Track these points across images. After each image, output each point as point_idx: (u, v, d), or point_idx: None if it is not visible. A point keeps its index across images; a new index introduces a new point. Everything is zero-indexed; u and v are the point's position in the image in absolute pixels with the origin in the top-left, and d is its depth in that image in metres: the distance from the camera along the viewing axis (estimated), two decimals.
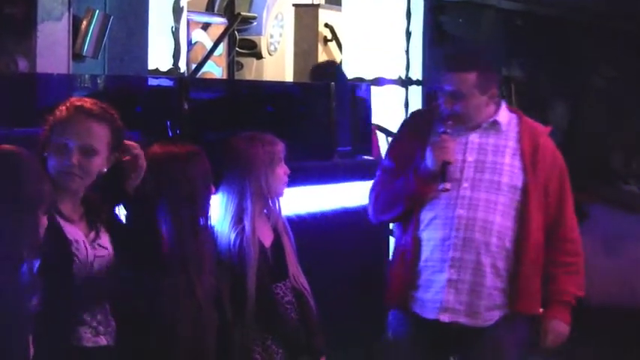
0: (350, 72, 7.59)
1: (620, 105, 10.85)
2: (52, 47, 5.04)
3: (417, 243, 3.94)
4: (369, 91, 6.03)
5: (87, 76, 4.99)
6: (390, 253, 4.33)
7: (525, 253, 3.89)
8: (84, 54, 5.14)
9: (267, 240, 3.97)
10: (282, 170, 4.01)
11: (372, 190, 4.09)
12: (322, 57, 8.00)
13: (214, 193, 3.80)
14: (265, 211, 3.92)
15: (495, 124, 3.95)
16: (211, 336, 3.64)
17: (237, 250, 3.90)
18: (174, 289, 3.49)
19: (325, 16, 7.97)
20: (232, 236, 3.91)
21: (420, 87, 7.89)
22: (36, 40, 4.98)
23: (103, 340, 3.25)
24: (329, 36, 8.10)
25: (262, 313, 3.92)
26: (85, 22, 5.15)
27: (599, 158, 10.54)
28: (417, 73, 7.92)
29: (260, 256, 3.90)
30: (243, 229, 3.91)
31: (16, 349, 2.73)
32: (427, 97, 7.74)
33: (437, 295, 3.89)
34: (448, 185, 3.82)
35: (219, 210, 3.94)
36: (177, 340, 3.48)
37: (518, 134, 3.97)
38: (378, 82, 7.47)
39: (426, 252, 3.92)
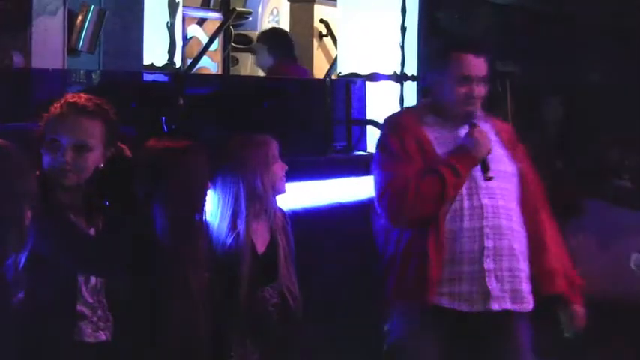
0: (345, 67, 7.59)
1: (614, 101, 10.85)
2: (47, 42, 5.02)
3: (441, 236, 3.90)
4: (364, 86, 6.02)
5: (82, 71, 4.97)
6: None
7: (544, 236, 4.06)
8: (79, 49, 5.13)
9: (263, 242, 3.98)
10: (278, 168, 4.00)
11: (392, 195, 3.94)
12: (317, 52, 7.99)
13: (210, 189, 3.80)
14: (265, 210, 3.90)
15: (478, 118, 4.01)
16: (202, 332, 3.63)
17: (231, 253, 3.90)
18: (168, 284, 3.48)
19: (320, 11, 7.97)
20: (228, 239, 3.92)
21: (415, 82, 7.88)
22: (31, 35, 4.96)
23: (102, 336, 3.27)
24: (324, 31, 8.09)
25: (249, 314, 3.92)
26: (80, 17, 5.14)
27: (593, 153, 10.55)
28: (412, 69, 7.90)
29: (252, 260, 3.91)
30: (238, 233, 3.92)
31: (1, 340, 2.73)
32: (422, 92, 7.73)
33: (479, 285, 3.90)
34: (492, 174, 3.87)
35: (214, 210, 3.93)
36: (169, 334, 3.48)
37: (492, 127, 4.07)
38: (374, 77, 7.44)
39: (454, 244, 3.90)
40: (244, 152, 3.99)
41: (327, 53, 8.11)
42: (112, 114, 3.32)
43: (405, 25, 7.80)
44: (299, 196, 4.57)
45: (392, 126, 4.17)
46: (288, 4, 8.04)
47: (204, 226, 3.76)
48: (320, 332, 4.18)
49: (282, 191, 4.02)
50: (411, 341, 4.04)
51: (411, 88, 7.80)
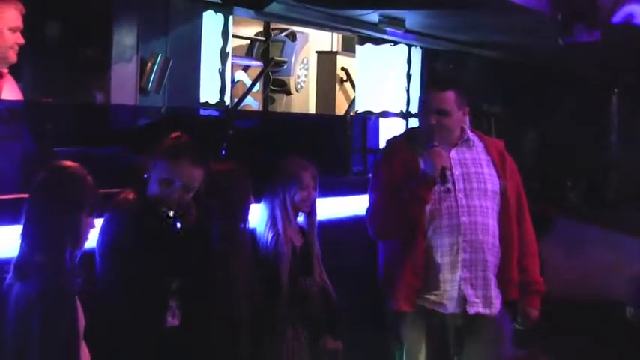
0: (362, 106, 7.58)
1: (576, 135, 10.81)
2: (123, 83, 5.04)
3: (426, 250, 3.73)
4: (377, 122, 6.00)
5: (151, 107, 4.99)
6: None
7: (510, 248, 3.79)
8: (148, 89, 5.14)
9: (298, 242, 3.95)
10: (305, 193, 3.96)
11: (373, 213, 3.83)
12: (339, 94, 7.99)
13: (255, 203, 3.78)
14: (302, 218, 3.87)
15: (468, 141, 3.84)
16: (246, 316, 3.61)
17: (272, 248, 3.88)
18: (218, 277, 3.46)
19: (342, 61, 7.97)
20: (269, 237, 3.91)
21: (417, 119, 7.87)
22: (110, 77, 4.98)
23: (175, 321, 3.24)
24: (345, 77, 8.09)
25: (293, 299, 3.89)
26: (149, 64, 5.14)
27: (558, 177, 10.51)
28: (415, 108, 7.90)
29: (291, 254, 3.89)
30: (277, 232, 3.90)
31: (67, 314, 2.75)
32: None
33: (457, 292, 3.73)
34: (450, 185, 3.70)
35: (260, 215, 3.94)
36: (219, 316, 3.45)
37: (485, 148, 3.86)
38: (385, 114, 7.43)
39: (436, 257, 3.72)
40: (285, 169, 3.99)
41: (346, 95, 8.10)
42: (209, 161, 3.32)
43: (410, 72, 7.80)
44: (325, 209, 4.55)
45: (384, 153, 4.00)
46: (316, 55, 8.05)
47: (247, 232, 3.72)
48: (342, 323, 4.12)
49: (303, 210, 3.99)
50: (404, 339, 3.87)
51: (414, 124, 7.79)
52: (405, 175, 3.75)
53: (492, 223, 3.75)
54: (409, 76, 7.81)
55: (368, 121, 6.03)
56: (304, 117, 6.77)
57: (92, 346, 2.92)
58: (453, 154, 3.81)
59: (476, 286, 3.73)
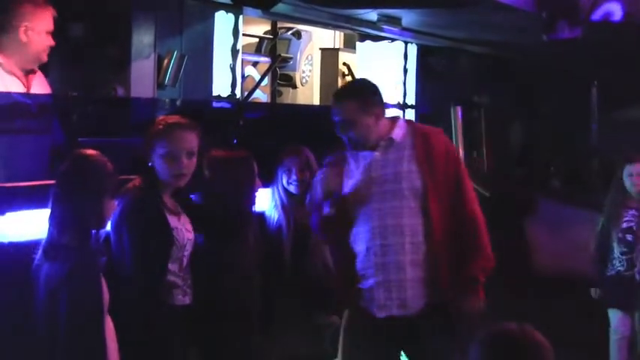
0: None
1: (559, 125, 10.79)
2: (141, 78, 5.04)
3: (350, 254, 3.54)
4: None
5: (167, 99, 4.99)
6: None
7: (433, 245, 3.44)
8: (165, 83, 5.14)
9: (299, 221, 3.99)
10: (300, 175, 3.98)
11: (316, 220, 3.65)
12: None
13: (263, 187, 3.79)
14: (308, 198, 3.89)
15: (391, 141, 3.51)
16: (255, 289, 3.62)
17: (275, 228, 3.91)
18: (226, 255, 3.47)
19: (343, 56, 7.94)
20: (274, 218, 3.93)
21: (413, 110, 7.88)
22: (130, 73, 4.98)
23: (187, 300, 3.24)
24: (346, 72, 8.06)
25: (296, 275, 3.91)
26: (166, 60, 5.15)
27: (542, 163, 10.50)
28: (411, 100, 7.90)
29: (295, 233, 3.92)
30: (279, 212, 3.94)
31: (94, 291, 2.79)
32: (419, 118, 7.72)
33: (371, 295, 3.48)
34: (332, 211, 3.48)
35: (268, 199, 3.97)
36: (228, 292, 3.46)
37: (413, 143, 3.50)
38: None
39: (359, 261, 3.51)
40: (283, 156, 4.01)
41: None
42: (199, 128, 3.31)
43: (407, 67, 7.80)
44: None
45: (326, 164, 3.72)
46: (320, 51, 8.03)
47: (252, 214, 3.71)
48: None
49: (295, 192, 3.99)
50: (342, 341, 3.64)
51: (410, 114, 7.79)
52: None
53: (408, 222, 3.44)
54: (405, 70, 7.81)
55: None
56: (309, 108, 6.75)
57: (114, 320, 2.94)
58: (377, 155, 3.52)
59: (390, 290, 3.45)
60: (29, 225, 3.08)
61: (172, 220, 3.16)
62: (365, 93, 3.58)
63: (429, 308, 3.47)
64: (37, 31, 3.71)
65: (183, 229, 3.20)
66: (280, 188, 3.99)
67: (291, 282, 3.92)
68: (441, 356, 3.51)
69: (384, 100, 3.64)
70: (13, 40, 3.69)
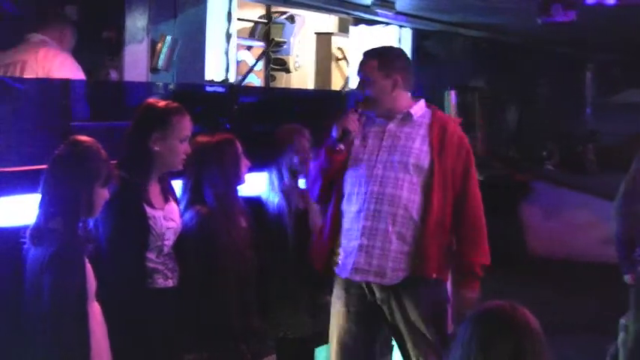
0: (355, 83, 7.51)
1: (554, 108, 10.78)
2: (135, 62, 5.01)
3: (339, 214, 3.56)
4: None
5: (161, 83, 4.96)
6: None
7: (427, 223, 3.45)
8: (159, 68, 5.11)
9: (301, 205, 3.99)
10: (301, 156, 3.97)
11: (310, 176, 3.74)
12: (335, 71, 7.93)
13: (256, 171, 3.76)
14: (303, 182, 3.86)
15: (409, 115, 3.55)
16: (251, 269, 3.59)
17: (274, 211, 3.90)
18: (217, 236, 3.43)
19: (337, 41, 7.91)
20: (272, 202, 3.92)
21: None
22: (124, 57, 4.95)
23: (170, 283, 3.23)
24: (340, 56, 8.03)
25: (297, 257, 3.89)
26: (159, 45, 5.11)
27: (536, 147, 10.49)
28: None
29: (295, 215, 3.91)
30: (277, 195, 3.92)
31: (77, 276, 2.76)
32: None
33: (351, 258, 3.50)
34: (342, 146, 3.50)
35: (265, 183, 3.95)
36: (223, 273, 3.43)
37: (429, 125, 3.54)
38: None
39: (345, 222, 3.54)
40: (281, 136, 3.99)
41: (342, 72, 8.05)
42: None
43: None
44: None
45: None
46: (315, 35, 7.99)
47: (238, 198, 3.66)
48: None
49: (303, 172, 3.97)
50: (333, 298, 3.67)
51: None
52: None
53: (407, 195, 3.46)
54: None
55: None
56: (303, 92, 6.72)
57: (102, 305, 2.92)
58: (391, 126, 3.56)
59: (371, 255, 3.46)
60: (21, 210, 3.06)
61: (151, 211, 3.15)
62: (387, 55, 3.61)
63: (408, 280, 3.48)
64: None
65: (162, 217, 3.18)
66: (283, 169, 3.96)
67: (293, 262, 3.90)
68: (415, 327, 3.50)
69: (410, 72, 3.61)
70: None
